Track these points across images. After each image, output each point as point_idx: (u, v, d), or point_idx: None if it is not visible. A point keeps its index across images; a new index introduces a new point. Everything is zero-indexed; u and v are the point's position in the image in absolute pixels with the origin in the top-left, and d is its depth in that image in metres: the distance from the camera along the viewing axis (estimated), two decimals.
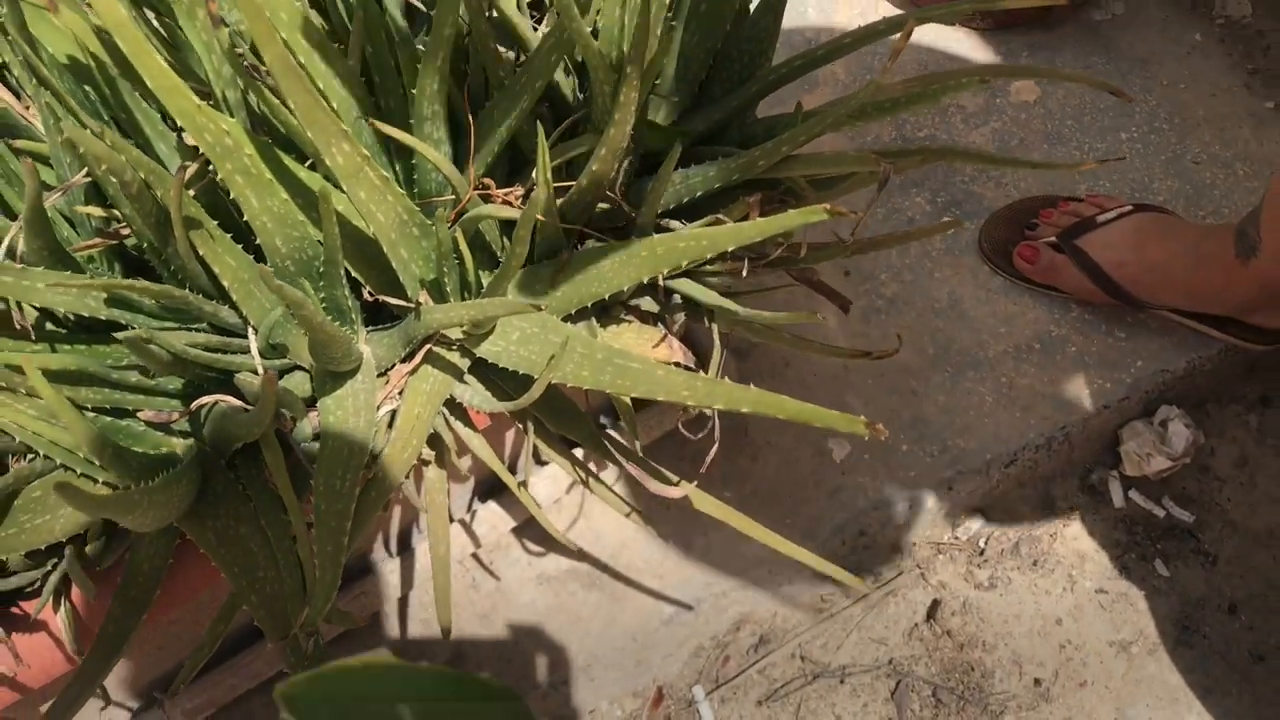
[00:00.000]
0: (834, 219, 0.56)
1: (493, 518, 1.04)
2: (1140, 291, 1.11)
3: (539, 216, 0.63)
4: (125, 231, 0.69)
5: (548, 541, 1.09)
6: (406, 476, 0.65)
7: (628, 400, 0.72)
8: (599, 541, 1.09)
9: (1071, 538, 1.14)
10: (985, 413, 1.13)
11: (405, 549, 1.03)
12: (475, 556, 1.08)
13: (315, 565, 0.56)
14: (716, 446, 0.71)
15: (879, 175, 0.60)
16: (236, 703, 1.00)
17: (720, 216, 0.65)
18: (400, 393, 0.72)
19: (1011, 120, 1.31)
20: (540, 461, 0.94)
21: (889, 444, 1.12)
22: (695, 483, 0.73)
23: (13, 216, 0.67)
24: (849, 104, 0.63)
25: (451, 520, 1.02)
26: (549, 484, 1.06)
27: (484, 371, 0.77)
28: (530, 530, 1.10)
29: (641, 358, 0.62)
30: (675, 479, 0.73)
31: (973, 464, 1.11)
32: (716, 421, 0.73)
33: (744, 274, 0.68)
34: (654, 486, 0.71)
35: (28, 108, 0.69)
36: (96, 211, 0.66)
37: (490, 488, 1.06)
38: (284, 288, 0.50)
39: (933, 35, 1.38)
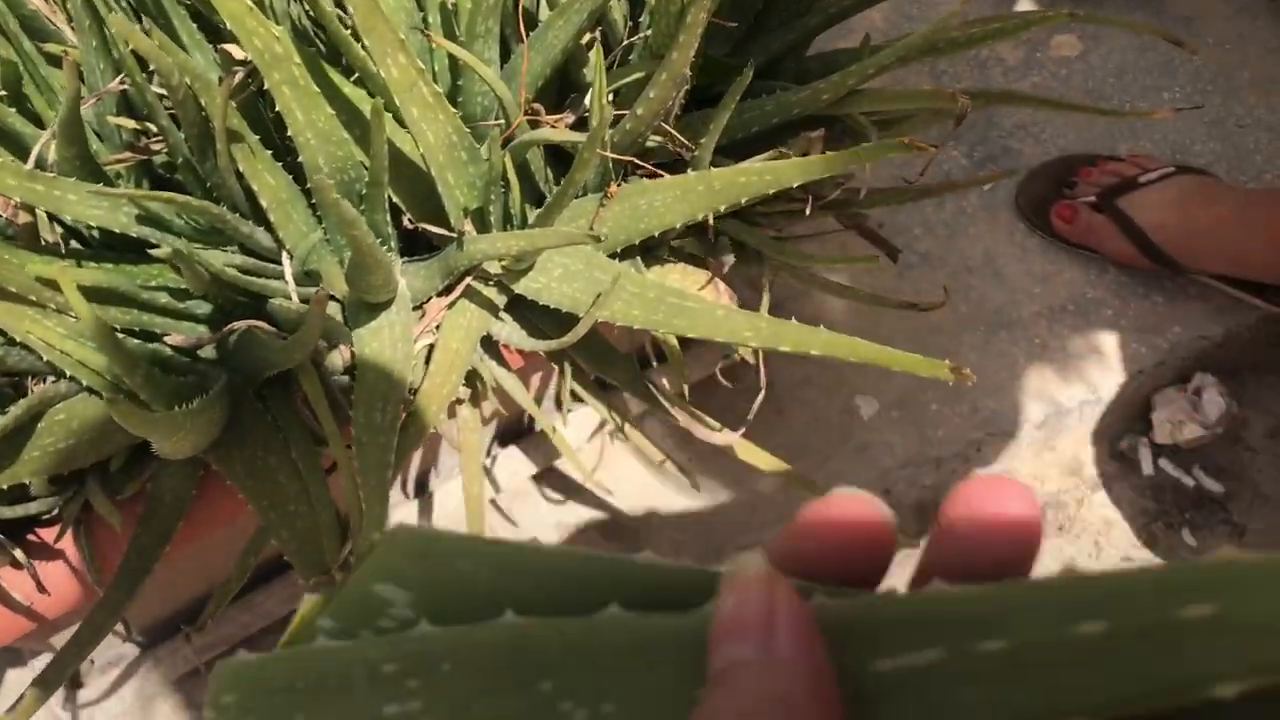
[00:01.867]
0: (910, 153, 0.53)
1: (513, 464, 1.02)
2: (1181, 255, 1.08)
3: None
4: (155, 147, 0.66)
5: (567, 489, 1.07)
6: (449, 414, 0.62)
7: (675, 343, 0.70)
8: (619, 491, 1.06)
9: (1099, 504, 1.12)
10: (1016, 374, 1.11)
11: (422, 492, 1.00)
12: (494, 503, 1.06)
13: (361, 498, 0.53)
14: (762, 394, 0.69)
15: (956, 111, 0.57)
16: (247, 641, 0.98)
17: (784, 151, 0.62)
18: (437, 327, 0.69)
19: (1052, 75, 1.28)
20: (570, 403, 0.92)
21: (919, 402, 1.09)
22: (741, 431, 0.71)
23: (39, 125, 0.63)
24: (924, 36, 0.60)
25: None
26: (571, 431, 1.04)
27: (521, 309, 0.74)
28: (550, 478, 1.07)
29: (698, 297, 0.60)
30: (719, 426, 0.70)
31: (1002, 426, 1.09)
32: (763, 369, 0.71)
33: (807, 213, 0.65)
34: (701, 432, 0.69)
35: (54, 12, 0.66)
36: (128, 124, 0.63)
37: (510, 434, 1.04)
38: (340, 202, 0.47)
39: None
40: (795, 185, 0.59)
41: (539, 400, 0.96)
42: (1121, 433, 1.16)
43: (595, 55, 0.57)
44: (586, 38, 0.68)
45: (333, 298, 0.70)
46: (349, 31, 0.58)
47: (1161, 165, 1.12)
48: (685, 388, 0.71)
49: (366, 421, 0.58)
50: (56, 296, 0.57)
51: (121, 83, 0.58)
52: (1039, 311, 1.13)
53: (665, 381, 0.75)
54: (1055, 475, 1.13)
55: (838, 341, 0.51)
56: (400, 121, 0.63)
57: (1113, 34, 1.31)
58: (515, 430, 1.03)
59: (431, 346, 0.68)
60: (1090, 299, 1.14)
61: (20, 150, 0.61)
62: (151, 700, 0.96)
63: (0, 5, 0.59)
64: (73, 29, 0.63)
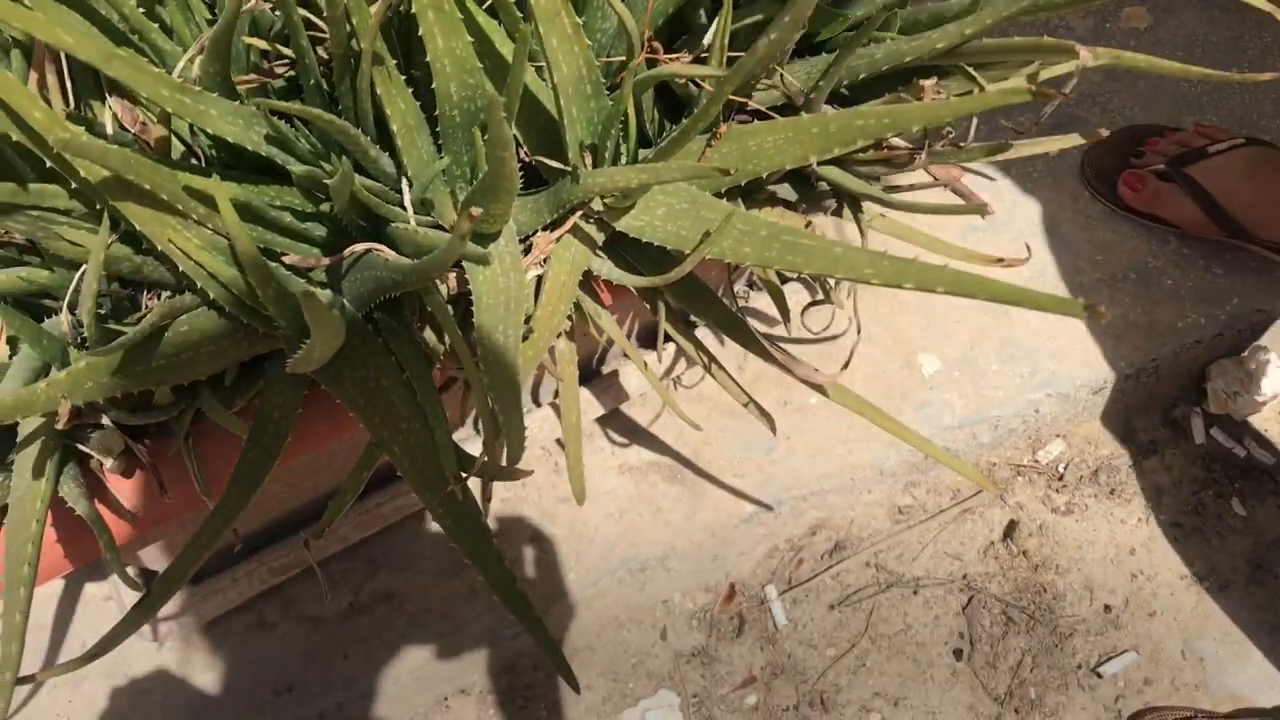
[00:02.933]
0: (1038, 98, 0.55)
1: (581, 405, 1.04)
2: (1249, 222, 1.09)
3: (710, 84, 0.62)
4: (279, 71, 0.68)
5: (632, 433, 1.09)
6: (563, 335, 0.64)
7: (776, 281, 0.71)
8: (682, 437, 1.08)
9: (1150, 470, 1.14)
10: (1076, 339, 1.12)
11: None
12: (559, 442, 1.08)
13: (497, 413, 0.55)
14: (858, 339, 0.70)
15: (1078, 63, 0.58)
16: (318, 566, 1.01)
17: (903, 95, 0.64)
18: (544, 260, 0.71)
19: (1120, 46, 1.28)
20: (662, 341, 0.94)
21: (979, 362, 1.11)
22: (839, 371, 0.72)
23: (175, 42, 0.65)
24: None
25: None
26: (634, 378, 1.06)
27: (617, 247, 0.76)
28: (615, 421, 1.09)
29: (812, 234, 0.61)
30: (815, 368, 0.72)
31: (1060, 389, 1.10)
32: (857, 315, 0.72)
33: (921, 159, 0.66)
34: (801, 372, 0.71)
35: None
36: (260, 43, 0.64)
37: (579, 376, 1.05)
38: (503, 124, 0.49)
39: None
40: (914, 130, 0.61)
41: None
42: (1175, 401, 1.17)
43: None
44: None
45: (441, 228, 0.72)
46: None
47: (1230, 136, 1.13)
48: (789, 329, 0.72)
49: (491, 343, 0.60)
50: (198, 209, 0.58)
51: (263, 1, 0.59)
52: (1100, 278, 1.15)
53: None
54: (1108, 440, 1.15)
55: (964, 279, 0.52)
56: (530, 55, 0.64)
57: (1184, 7, 1.31)
58: (584, 373, 1.05)
59: (539, 278, 0.70)
60: (1151, 268, 1.15)
61: (159, 66, 0.62)
62: (224, 617, 0.99)
63: None
64: None
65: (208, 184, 0.55)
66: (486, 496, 0.68)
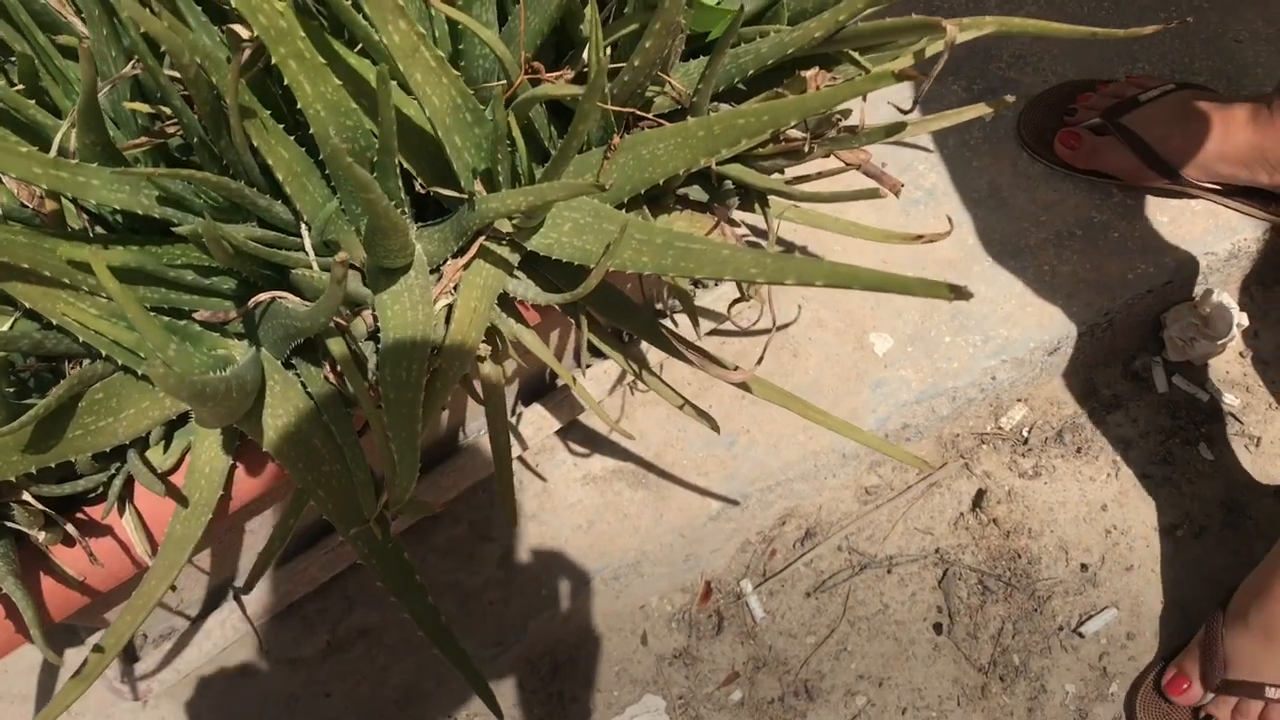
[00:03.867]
0: (903, 79, 0.55)
1: (537, 420, 1.04)
2: (1186, 165, 1.09)
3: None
4: (170, 130, 0.68)
5: (592, 443, 1.09)
6: (481, 359, 0.64)
7: (685, 287, 0.71)
8: (642, 441, 1.09)
9: (1115, 424, 1.14)
10: (1027, 302, 1.12)
11: (452, 452, 1.03)
12: (521, 459, 1.08)
13: (392, 452, 0.55)
14: (773, 332, 0.71)
15: (947, 39, 0.58)
16: (292, 607, 1.02)
17: (780, 90, 0.64)
18: (455, 288, 0.71)
19: (1046, 3, 1.28)
20: (588, 358, 0.94)
21: (931, 336, 1.11)
22: (754, 367, 0.73)
23: (57, 115, 0.66)
24: None
25: None
26: (591, 385, 1.06)
27: (534, 266, 0.76)
28: (574, 432, 1.10)
29: (705, 239, 0.61)
30: (733, 365, 0.72)
31: (1015, 353, 1.10)
32: (771, 306, 0.73)
33: (807, 150, 0.67)
34: (716, 372, 0.71)
35: (63, 4, 0.68)
36: (143, 108, 0.65)
37: (533, 391, 1.06)
38: (354, 166, 0.49)
39: None
40: (794, 124, 0.61)
41: (559, 356, 0.98)
42: (1134, 353, 1.17)
43: (591, 10, 0.59)
44: None
45: (353, 266, 0.72)
46: (349, 1, 0.60)
47: (1161, 83, 1.13)
48: (700, 331, 0.72)
49: (393, 379, 0.61)
50: (88, 279, 0.59)
51: (134, 68, 0.60)
52: (1046, 238, 1.15)
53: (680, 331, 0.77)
54: (1070, 399, 1.15)
55: (840, 270, 0.53)
56: (406, 88, 0.65)
57: None
58: (538, 388, 1.06)
59: (451, 307, 0.70)
60: (1096, 223, 1.15)
61: (41, 140, 0.63)
62: (203, 669, 0.99)
63: (13, 0, 0.61)
64: (82, 20, 0.64)
65: (85, 254, 0.56)
66: (392, 532, 0.68)
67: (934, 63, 0.62)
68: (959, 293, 0.47)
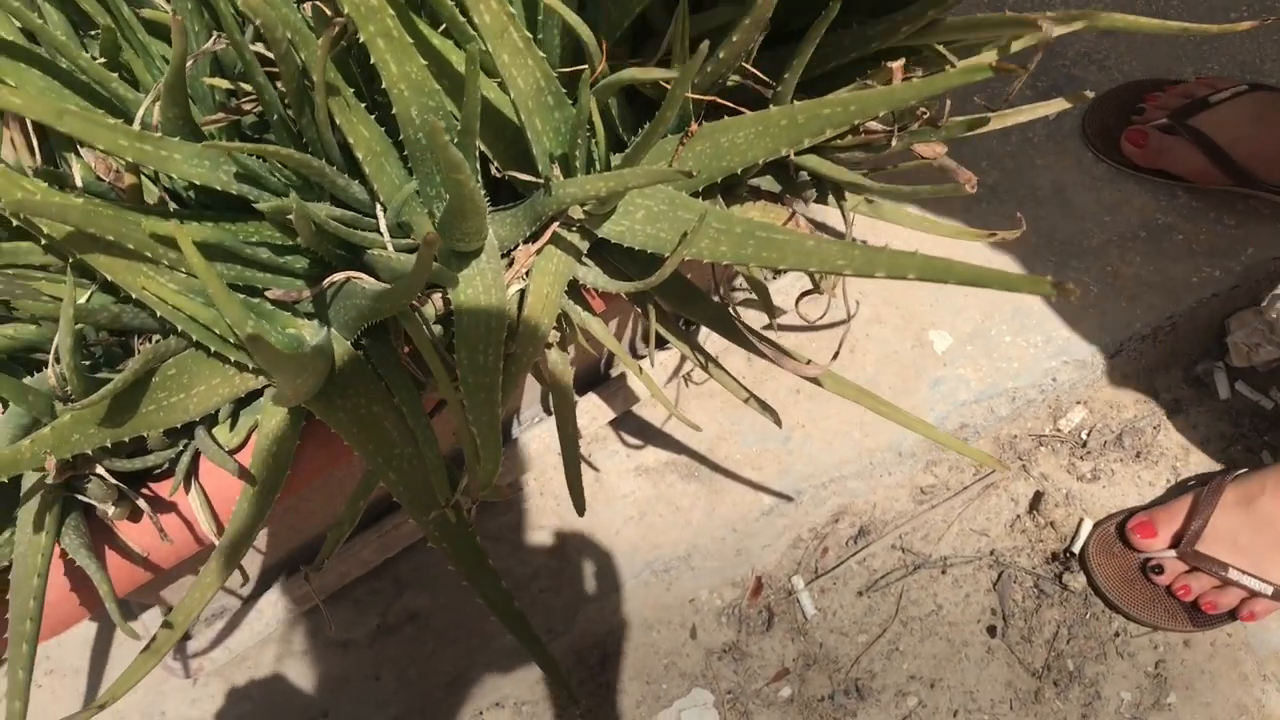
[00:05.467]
0: (1000, 73, 0.54)
1: (592, 409, 1.04)
2: (1258, 168, 1.07)
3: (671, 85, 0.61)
4: (246, 107, 0.68)
5: (645, 434, 1.09)
6: (549, 345, 0.64)
7: (761, 278, 0.71)
8: (696, 433, 1.08)
9: (1175, 430, 1.12)
10: (1090, 303, 1.11)
11: (506, 440, 1.02)
12: None
13: (474, 436, 0.55)
14: (848, 326, 0.70)
15: (1042, 36, 0.57)
16: (344, 590, 1.02)
17: (867, 82, 0.63)
18: (527, 273, 0.71)
19: (1115, 2, 1.26)
20: (644, 348, 0.93)
21: (991, 335, 1.09)
22: (830, 362, 0.72)
23: (136, 89, 0.65)
24: None
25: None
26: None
27: (602, 254, 0.76)
28: (628, 423, 1.09)
29: (786, 229, 0.60)
30: (806, 359, 0.71)
31: (1077, 355, 1.09)
32: (845, 299, 0.72)
33: (893, 144, 0.65)
34: (790, 365, 0.70)
35: None
36: (222, 83, 0.65)
37: (587, 382, 1.05)
38: (449, 146, 0.48)
39: None
40: (880, 115, 0.60)
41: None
42: (1196, 358, 1.15)
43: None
44: None
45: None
46: None
47: (1233, 84, 1.11)
48: (774, 323, 0.71)
49: (470, 363, 0.60)
50: (169, 254, 0.58)
51: (217, 42, 0.60)
52: (1110, 239, 1.13)
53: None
54: (1130, 403, 1.13)
55: (934, 263, 0.52)
56: (487, 72, 0.64)
57: None
58: (592, 378, 1.05)
59: (523, 292, 0.70)
60: (1161, 225, 1.13)
61: (122, 115, 0.63)
62: (253, 649, 1.00)
63: None
64: None
65: (170, 228, 0.55)
66: (473, 515, 0.68)
67: (1020, 58, 0.61)
68: (1061, 288, 0.46)
